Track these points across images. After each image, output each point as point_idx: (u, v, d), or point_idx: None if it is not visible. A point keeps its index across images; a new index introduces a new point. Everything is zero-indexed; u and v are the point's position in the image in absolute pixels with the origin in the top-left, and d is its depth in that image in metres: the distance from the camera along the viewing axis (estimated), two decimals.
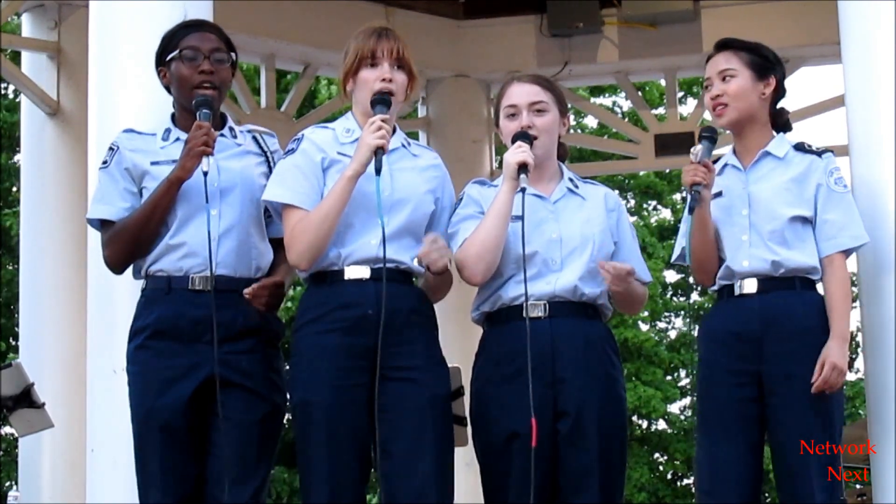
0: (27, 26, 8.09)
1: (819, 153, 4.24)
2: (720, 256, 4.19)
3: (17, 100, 12.78)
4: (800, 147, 4.26)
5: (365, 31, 4.04)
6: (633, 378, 19.83)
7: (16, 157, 16.27)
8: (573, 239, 4.07)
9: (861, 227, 4.21)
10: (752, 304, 4.10)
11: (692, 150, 4.08)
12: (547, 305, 4.01)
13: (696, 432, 4.21)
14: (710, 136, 4.12)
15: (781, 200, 4.15)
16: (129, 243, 4.00)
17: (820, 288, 4.21)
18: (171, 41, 4.11)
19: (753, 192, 4.16)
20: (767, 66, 4.25)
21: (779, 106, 4.30)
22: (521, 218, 3.93)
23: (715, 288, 4.20)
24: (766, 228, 4.13)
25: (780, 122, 4.28)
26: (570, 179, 4.19)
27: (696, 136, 4.29)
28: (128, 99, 4.70)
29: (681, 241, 4.28)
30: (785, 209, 4.15)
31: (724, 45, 4.27)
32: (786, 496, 4.08)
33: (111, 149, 4.10)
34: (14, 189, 16.03)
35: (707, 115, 10.25)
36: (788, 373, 4.06)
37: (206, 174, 3.88)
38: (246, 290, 3.91)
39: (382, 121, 3.86)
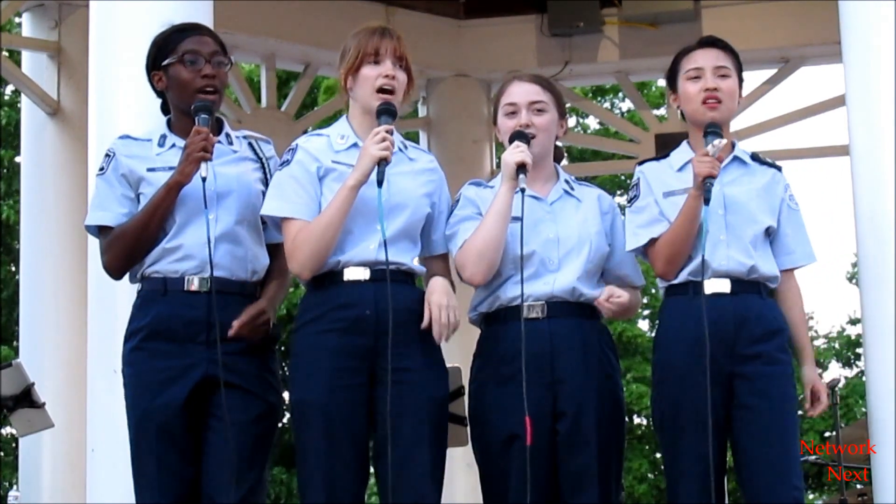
0: (27, 26, 8.10)
1: (777, 167, 4.29)
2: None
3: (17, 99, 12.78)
4: (756, 157, 4.28)
5: (367, 29, 4.03)
6: (626, 374, 19.79)
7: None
8: (570, 239, 4.07)
9: (811, 247, 4.26)
10: (726, 304, 4.07)
11: (714, 142, 4.02)
12: (545, 306, 4.01)
13: (663, 433, 4.12)
14: (720, 131, 4.08)
15: (757, 207, 4.16)
16: (128, 248, 3.99)
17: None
18: (166, 45, 4.07)
19: (728, 194, 4.12)
20: (742, 75, 4.27)
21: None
22: (520, 218, 3.93)
23: (676, 282, 4.13)
24: (748, 233, 4.12)
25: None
26: (566, 181, 4.19)
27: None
28: (128, 98, 4.70)
29: (643, 231, 4.15)
30: (762, 217, 4.16)
31: (714, 43, 4.25)
32: (761, 495, 4.02)
33: (107, 155, 4.08)
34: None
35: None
36: (762, 373, 4.04)
37: (204, 180, 3.87)
38: (230, 333, 3.88)
39: (387, 132, 3.85)
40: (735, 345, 4.04)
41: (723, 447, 4.07)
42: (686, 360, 4.00)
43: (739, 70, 4.24)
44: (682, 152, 4.22)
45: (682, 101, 4.22)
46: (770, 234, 4.19)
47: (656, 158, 4.31)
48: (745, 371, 4.04)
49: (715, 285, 4.06)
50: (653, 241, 4.14)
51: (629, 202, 4.26)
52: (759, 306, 4.11)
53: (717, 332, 3.99)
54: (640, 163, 4.31)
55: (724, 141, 4.06)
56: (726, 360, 4.03)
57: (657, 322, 4.30)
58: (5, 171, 16.99)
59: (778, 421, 4.03)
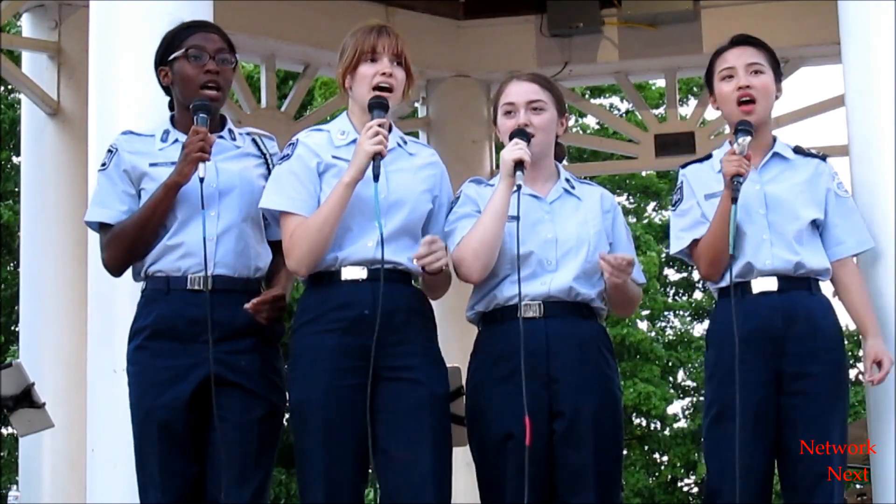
0: (27, 26, 8.10)
1: (821, 157, 4.29)
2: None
3: (16, 98, 12.78)
4: (799, 150, 4.29)
5: (364, 27, 4.04)
6: (633, 375, 19.80)
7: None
8: (569, 240, 4.06)
9: (866, 232, 4.27)
10: (774, 302, 4.07)
11: (738, 140, 4.02)
12: (542, 305, 4.00)
13: (711, 431, 4.13)
14: (750, 129, 4.08)
15: (800, 202, 4.16)
16: (127, 246, 4.00)
17: (824, 289, 4.22)
18: (173, 41, 4.09)
19: (769, 192, 4.13)
20: (779, 70, 4.27)
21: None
22: (517, 216, 3.92)
23: (723, 284, 4.13)
24: (790, 229, 4.12)
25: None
26: (567, 180, 4.19)
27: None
28: (128, 99, 4.70)
29: (686, 234, 4.20)
30: (804, 211, 4.16)
31: (747, 41, 4.25)
32: (800, 495, 4.04)
33: (110, 151, 4.10)
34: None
35: (708, 115, 10.28)
36: (810, 372, 4.05)
37: (202, 180, 3.87)
38: (246, 305, 3.91)
39: (380, 125, 3.85)
40: (784, 342, 4.04)
41: (771, 448, 4.06)
42: (739, 359, 3.98)
43: (775, 66, 4.24)
44: (724, 153, 4.22)
45: (720, 102, 4.24)
46: (818, 227, 4.19)
47: (699, 160, 4.31)
48: (794, 370, 4.04)
49: (762, 284, 4.08)
50: (696, 244, 4.16)
51: (673, 206, 4.30)
52: (808, 303, 4.11)
53: (767, 330, 4.02)
54: (684, 165, 4.33)
55: (748, 138, 4.04)
56: (776, 357, 4.03)
57: (708, 322, 4.27)
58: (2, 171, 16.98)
59: (827, 421, 4.04)
